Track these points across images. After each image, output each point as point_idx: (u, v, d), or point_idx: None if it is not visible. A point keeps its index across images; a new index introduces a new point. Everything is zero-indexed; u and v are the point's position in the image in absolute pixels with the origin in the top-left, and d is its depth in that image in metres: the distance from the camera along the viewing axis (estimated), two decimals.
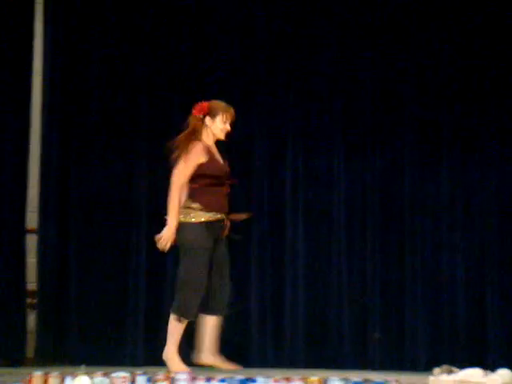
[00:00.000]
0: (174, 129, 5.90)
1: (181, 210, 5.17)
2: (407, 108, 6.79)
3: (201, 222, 5.12)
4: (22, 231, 6.77)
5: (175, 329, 5.15)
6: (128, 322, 6.59)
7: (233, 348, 5.85)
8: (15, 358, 6.47)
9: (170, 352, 5.16)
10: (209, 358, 5.29)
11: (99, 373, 4.45)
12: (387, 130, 6.81)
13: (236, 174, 5.78)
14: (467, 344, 6.51)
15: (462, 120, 6.75)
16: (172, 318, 5.17)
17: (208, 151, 5.19)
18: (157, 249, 5.28)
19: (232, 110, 5.23)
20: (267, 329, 6.66)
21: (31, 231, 6.81)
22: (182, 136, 5.24)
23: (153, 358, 6.19)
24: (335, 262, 6.73)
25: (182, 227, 5.15)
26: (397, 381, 4.37)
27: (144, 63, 6.86)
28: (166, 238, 5.15)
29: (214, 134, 5.22)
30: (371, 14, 6.83)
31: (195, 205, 5.14)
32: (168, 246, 5.18)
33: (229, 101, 5.40)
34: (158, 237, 5.19)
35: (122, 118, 6.90)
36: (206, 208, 5.12)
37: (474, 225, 6.67)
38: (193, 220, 5.13)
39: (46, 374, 4.44)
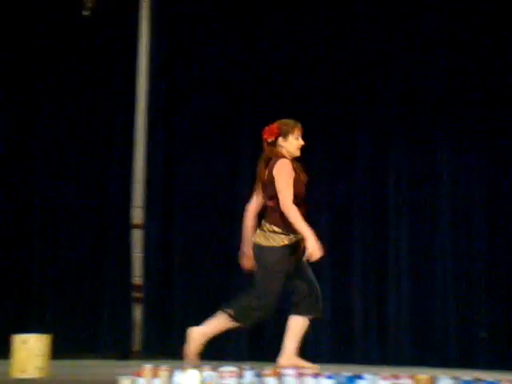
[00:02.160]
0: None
1: (260, 233, 4.97)
2: None
3: (283, 246, 4.90)
4: (128, 226, 6.91)
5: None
6: None
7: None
8: (122, 352, 6.62)
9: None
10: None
11: (207, 367, 4.48)
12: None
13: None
14: None
15: None
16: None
17: (294, 169, 5.00)
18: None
19: (299, 124, 5.07)
20: (371, 328, 6.63)
21: (137, 226, 6.93)
22: (261, 165, 5.05)
23: (257, 353, 6.23)
24: (439, 261, 6.65)
25: (262, 250, 4.94)
26: (510, 381, 4.23)
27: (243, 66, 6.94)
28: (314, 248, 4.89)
29: (289, 153, 5.09)
30: None
31: (275, 228, 4.93)
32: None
33: None
34: (308, 253, 4.91)
35: (225, 117, 6.97)
36: (288, 230, 4.91)
37: None
38: (274, 244, 4.92)
39: (156, 367, 4.49)
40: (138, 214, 6.94)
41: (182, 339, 6.52)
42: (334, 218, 6.82)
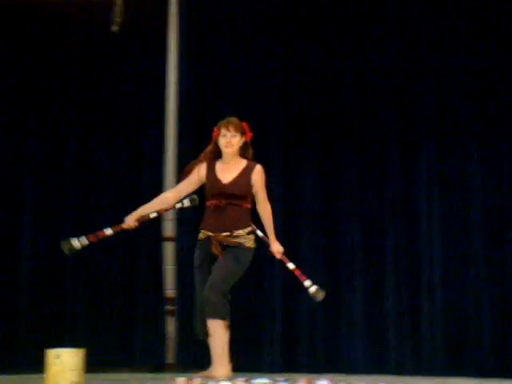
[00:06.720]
0: None
1: None
2: None
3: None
4: (160, 239, 6.92)
5: None
6: (265, 329, 6.64)
7: None
8: (156, 365, 6.63)
9: None
10: None
11: (241, 379, 4.48)
12: None
13: None
14: None
15: None
16: None
17: (208, 168, 5.24)
18: None
19: (227, 122, 5.16)
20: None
21: (168, 239, 6.93)
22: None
23: (292, 364, 6.22)
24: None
25: None
26: None
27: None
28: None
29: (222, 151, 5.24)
30: None
31: None
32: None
33: None
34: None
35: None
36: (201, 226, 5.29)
37: None
38: None
39: (189, 380, 4.50)
40: (169, 227, 6.94)
41: None
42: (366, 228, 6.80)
